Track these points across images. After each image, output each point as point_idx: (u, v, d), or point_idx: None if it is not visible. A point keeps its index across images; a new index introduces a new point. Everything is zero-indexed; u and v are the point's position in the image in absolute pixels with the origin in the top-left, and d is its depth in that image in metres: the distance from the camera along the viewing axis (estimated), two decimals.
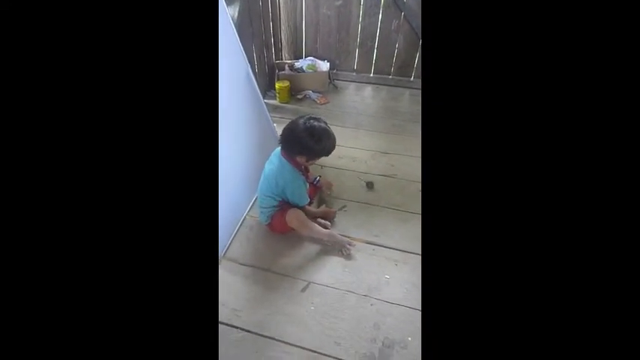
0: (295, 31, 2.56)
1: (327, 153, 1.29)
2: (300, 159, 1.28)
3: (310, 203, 1.49)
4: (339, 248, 1.37)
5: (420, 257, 1.34)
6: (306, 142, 1.21)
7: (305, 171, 1.40)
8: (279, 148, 1.35)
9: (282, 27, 2.49)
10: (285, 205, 1.38)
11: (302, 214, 1.36)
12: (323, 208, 1.55)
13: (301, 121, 1.23)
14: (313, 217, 1.45)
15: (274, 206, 1.37)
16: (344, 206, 1.57)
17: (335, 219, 1.51)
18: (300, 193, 1.35)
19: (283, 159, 1.31)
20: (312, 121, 1.22)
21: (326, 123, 1.26)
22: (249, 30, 2.05)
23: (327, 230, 1.42)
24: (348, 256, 1.35)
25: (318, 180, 1.56)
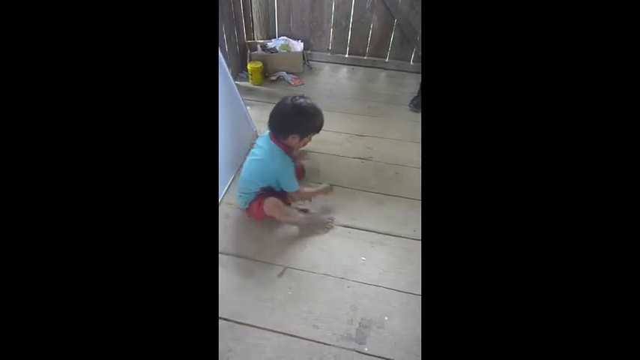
0: (267, 9, 2.45)
1: (318, 129, 1.30)
2: (293, 140, 1.26)
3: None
4: (321, 227, 1.38)
5: (396, 239, 1.37)
6: (297, 121, 1.23)
7: (296, 155, 1.39)
8: (266, 133, 1.33)
9: (253, 5, 2.38)
10: (264, 192, 1.35)
11: (280, 203, 1.34)
12: (319, 187, 1.47)
13: (288, 101, 1.24)
14: (300, 197, 1.43)
15: (255, 192, 1.35)
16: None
17: (312, 202, 1.50)
18: (291, 179, 1.33)
19: (274, 144, 1.29)
20: (298, 99, 1.24)
21: (311, 99, 1.27)
22: (217, 8, 1.94)
23: (305, 214, 1.41)
24: (330, 230, 1.37)
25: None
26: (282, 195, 1.39)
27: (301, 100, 1.25)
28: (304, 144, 1.33)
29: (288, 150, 1.31)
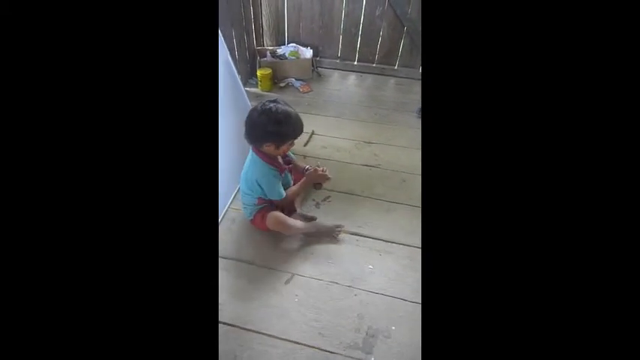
0: (277, 16, 2.48)
1: (294, 135, 1.21)
2: (269, 148, 1.21)
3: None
4: (329, 235, 1.37)
5: (403, 247, 1.36)
6: (266, 128, 1.14)
7: (284, 163, 1.35)
8: None
9: (263, 12, 2.41)
10: (265, 204, 1.34)
11: (282, 217, 1.31)
12: (301, 182, 1.40)
13: (258, 107, 1.16)
14: (296, 197, 1.40)
15: (255, 204, 1.34)
16: (328, 197, 1.56)
17: (319, 209, 1.50)
18: (272, 188, 1.27)
19: (254, 154, 1.26)
20: (268, 104, 1.15)
21: (286, 103, 1.18)
22: (228, 14, 1.97)
23: (311, 222, 1.40)
24: (337, 240, 1.36)
25: (308, 169, 1.49)
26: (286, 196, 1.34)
27: (271, 105, 1.14)
28: (284, 151, 1.26)
29: (269, 158, 1.26)
